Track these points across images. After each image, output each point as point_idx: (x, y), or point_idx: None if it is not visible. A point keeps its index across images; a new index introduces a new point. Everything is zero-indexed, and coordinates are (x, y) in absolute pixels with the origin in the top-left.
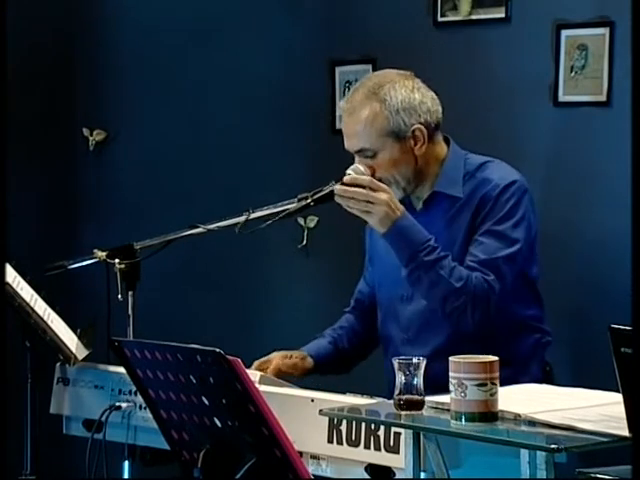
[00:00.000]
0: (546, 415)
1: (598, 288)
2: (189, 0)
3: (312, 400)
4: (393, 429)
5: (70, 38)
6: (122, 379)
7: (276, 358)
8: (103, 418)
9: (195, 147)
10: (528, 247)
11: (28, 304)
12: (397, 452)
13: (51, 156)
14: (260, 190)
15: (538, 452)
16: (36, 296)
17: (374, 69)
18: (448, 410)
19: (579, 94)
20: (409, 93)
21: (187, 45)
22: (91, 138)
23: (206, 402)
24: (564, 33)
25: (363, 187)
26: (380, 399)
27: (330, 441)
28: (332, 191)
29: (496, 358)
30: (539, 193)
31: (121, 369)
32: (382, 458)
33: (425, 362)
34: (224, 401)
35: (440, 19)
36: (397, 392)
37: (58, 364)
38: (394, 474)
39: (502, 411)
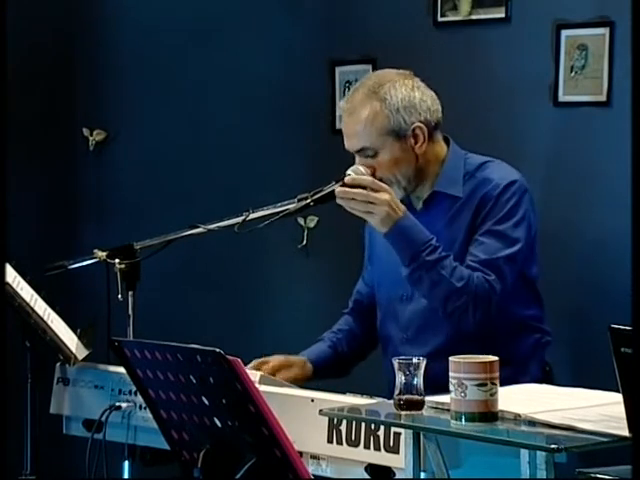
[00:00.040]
0: (546, 415)
1: (598, 288)
2: (189, 0)
3: (312, 400)
4: (393, 429)
5: (70, 38)
6: (122, 379)
7: (275, 360)
8: (103, 418)
9: (195, 147)
10: (528, 247)
11: (28, 304)
12: (397, 452)
13: (51, 156)
14: (260, 190)
15: (538, 452)
16: (36, 296)
17: (374, 69)
18: (448, 410)
19: (579, 94)
20: (409, 92)
21: (187, 45)
22: (91, 138)
23: (206, 402)
24: (564, 33)
25: (364, 188)
26: (380, 399)
27: (330, 441)
28: (332, 191)
29: (496, 358)
30: (539, 193)
31: (121, 369)
32: (382, 458)
33: (425, 362)
34: (224, 401)
35: (440, 19)
36: (397, 392)
37: (58, 364)
38: (394, 474)
39: (502, 411)
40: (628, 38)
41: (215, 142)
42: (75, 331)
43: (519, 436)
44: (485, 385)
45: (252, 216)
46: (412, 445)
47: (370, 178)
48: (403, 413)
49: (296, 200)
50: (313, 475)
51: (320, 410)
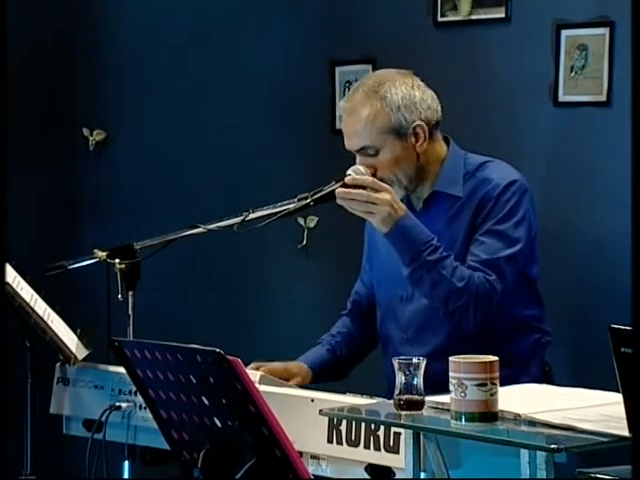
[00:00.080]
0: (546, 415)
1: (598, 288)
2: (189, 0)
3: (312, 400)
4: (393, 429)
5: (70, 38)
6: (122, 379)
7: (274, 364)
8: (103, 418)
9: (195, 147)
10: (529, 247)
11: (28, 304)
12: (397, 452)
13: (51, 156)
14: (260, 190)
15: (538, 452)
16: (36, 296)
17: (374, 69)
18: (448, 410)
19: (579, 94)
20: (409, 90)
21: (187, 45)
22: (91, 138)
23: (206, 402)
24: (564, 33)
25: (364, 188)
26: (380, 399)
27: (330, 441)
28: (332, 191)
29: (496, 358)
30: (539, 193)
31: (121, 369)
32: (382, 458)
33: (425, 362)
34: (224, 401)
35: (440, 19)
36: (397, 392)
37: (58, 364)
38: (394, 474)
39: (502, 411)
40: (628, 38)
41: (215, 142)
42: (75, 331)
43: (519, 436)
44: (485, 385)
45: (252, 216)
46: (412, 445)
47: (370, 178)
48: (403, 413)
49: (296, 200)
50: (313, 475)
51: (320, 410)
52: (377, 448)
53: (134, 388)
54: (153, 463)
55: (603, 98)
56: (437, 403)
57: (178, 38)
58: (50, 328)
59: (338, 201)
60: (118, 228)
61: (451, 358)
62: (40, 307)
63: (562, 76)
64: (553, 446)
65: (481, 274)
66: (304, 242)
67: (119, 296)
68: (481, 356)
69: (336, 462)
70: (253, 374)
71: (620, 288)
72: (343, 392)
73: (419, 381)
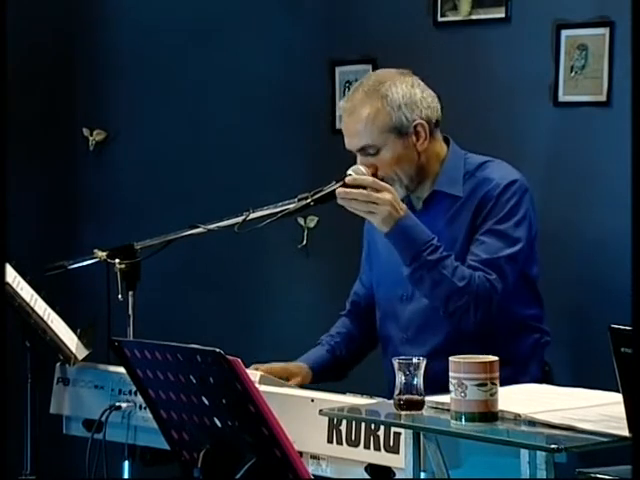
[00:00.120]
0: (546, 415)
1: (598, 288)
2: (189, 0)
3: (312, 400)
4: (393, 429)
5: (70, 38)
6: (122, 379)
7: (274, 365)
8: (103, 418)
9: (195, 147)
10: (529, 247)
11: (28, 304)
12: (397, 452)
13: (51, 156)
14: (260, 190)
15: (538, 452)
16: (36, 296)
17: (374, 69)
18: (448, 410)
19: (579, 94)
20: (410, 89)
21: (187, 45)
22: (91, 138)
23: (206, 402)
24: (564, 33)
25: (365, 188)
26: (380, 399)
27: (330, 441)
28: (333, 191)
29: (496, 358)
30: (539, 193)
31: (121, 369)
32: (382, 458)
33: (425, 362)
34: (224, 401)
35: (440, 19)
36: (397, 392)
37: (58, 364)
38: (394, 474)
39: (502, 411)
40: (628, 38)
41: (215, 142)
42: (75, 331)
43: (519, 436)
44: (485, 385)
45: (252, 216)
46: (412, 445)
47: (371, 178)
48: (403, 413)
49: (296, 200)
50: (313, 475)
51: (320, 410)
52: (377, 448)
53: (134, 388)
54: (153, 463)
55: (603, 98)
56: (437, 403)
57: (178, 38)
58: (50, 328)
59: (339, 201)
60: (118, 228)
61: (451, 358)
62: (40, 307)
63: (562, 76)
64: (553, 446)
65: (481, 274)
66: (304, 242)
67: (119, 296)
68: (481, 356)
69: (336, 462)
70: (253, 374)
71: (620, 288)
72: (343, 392)
73: (419, 381)
